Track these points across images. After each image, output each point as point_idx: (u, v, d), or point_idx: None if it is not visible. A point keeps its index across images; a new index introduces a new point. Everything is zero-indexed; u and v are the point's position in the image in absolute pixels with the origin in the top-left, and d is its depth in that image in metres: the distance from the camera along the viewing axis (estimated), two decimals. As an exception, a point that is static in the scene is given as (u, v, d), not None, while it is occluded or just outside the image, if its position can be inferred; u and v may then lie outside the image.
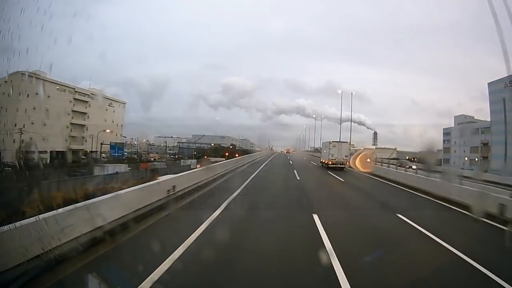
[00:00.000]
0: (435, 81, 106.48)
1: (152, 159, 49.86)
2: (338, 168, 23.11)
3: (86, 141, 43.74)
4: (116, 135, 48.30)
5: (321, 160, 27.56)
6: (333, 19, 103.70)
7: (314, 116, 64.31)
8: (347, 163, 24.12)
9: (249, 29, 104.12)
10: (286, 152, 71.15)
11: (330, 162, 23.56)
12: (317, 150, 51.73)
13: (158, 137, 69.12)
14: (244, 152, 55.98)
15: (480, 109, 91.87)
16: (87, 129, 44.04)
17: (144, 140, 66.44)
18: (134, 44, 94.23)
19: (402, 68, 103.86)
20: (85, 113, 44.61)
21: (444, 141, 51.75)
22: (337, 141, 24.92)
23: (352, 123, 75.36)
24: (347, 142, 26.10)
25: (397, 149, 63.40)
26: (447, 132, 52.11)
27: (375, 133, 75.26)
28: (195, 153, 60.17)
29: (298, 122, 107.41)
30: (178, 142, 69.83)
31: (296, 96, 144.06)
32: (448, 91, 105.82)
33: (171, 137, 68.71)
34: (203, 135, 72.49)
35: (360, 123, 76.53)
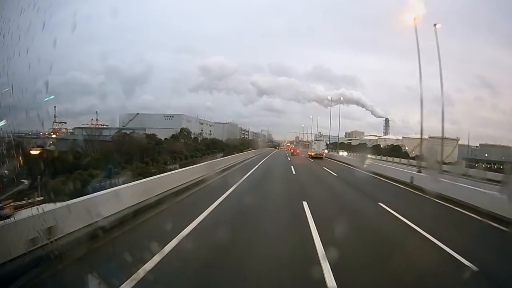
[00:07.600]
0: (432, 68, 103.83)
1: None
2: (319, 157, 34.07)
3: None
4: None
5: (308, 153, 38.33)
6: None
7: (329, 97, 52.26)
8: (323, 153, 36.32)
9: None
10: (292, 152, 42.78)
11: (313, 154, 35.85)
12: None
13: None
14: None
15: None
16: None
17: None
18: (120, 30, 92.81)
19: (399, 55, 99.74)
20: None
21: None
22: (317, 140, 41.25)
23: (356, 108, 67.19)
24: (323, 140, 41.74)
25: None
26: None
27: (387, 120, 67.29)
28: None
29: (299, 109, 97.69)
30: (75, 128, 41.90)
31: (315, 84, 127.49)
32: (445, 78, 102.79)
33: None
34: (137, 114, 45.51)
35: (367, 108, 68.61)
